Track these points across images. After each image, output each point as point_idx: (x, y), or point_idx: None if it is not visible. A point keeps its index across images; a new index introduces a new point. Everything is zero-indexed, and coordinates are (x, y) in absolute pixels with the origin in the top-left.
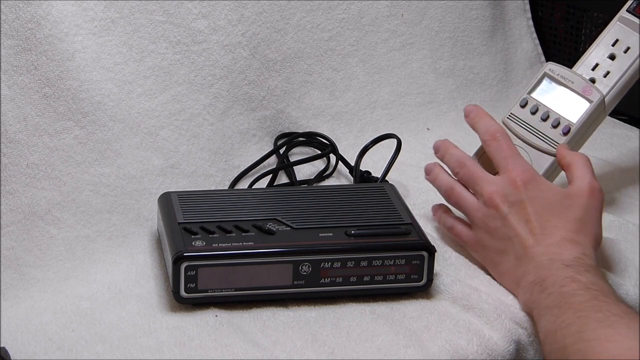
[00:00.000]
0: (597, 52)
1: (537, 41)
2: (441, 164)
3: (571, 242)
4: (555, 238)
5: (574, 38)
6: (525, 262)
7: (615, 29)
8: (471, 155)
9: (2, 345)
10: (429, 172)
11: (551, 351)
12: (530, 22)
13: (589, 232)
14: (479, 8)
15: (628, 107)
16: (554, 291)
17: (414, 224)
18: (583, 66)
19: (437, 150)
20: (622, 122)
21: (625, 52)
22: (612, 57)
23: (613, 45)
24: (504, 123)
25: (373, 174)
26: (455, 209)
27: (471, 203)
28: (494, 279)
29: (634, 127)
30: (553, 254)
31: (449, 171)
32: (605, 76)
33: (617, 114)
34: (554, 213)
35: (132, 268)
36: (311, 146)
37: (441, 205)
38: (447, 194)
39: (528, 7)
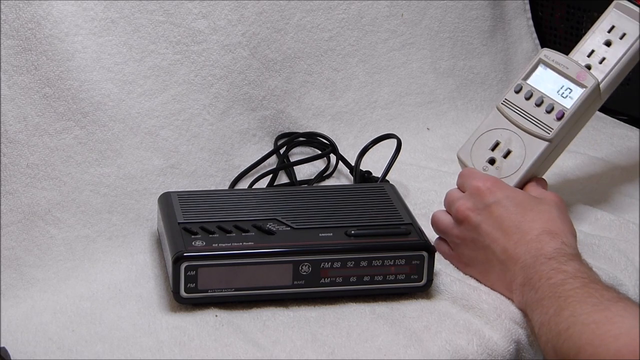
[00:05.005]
0: (592, 39)
1: (537, 41)
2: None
3: (550, 234)
4: (533, 232)
5: (574, 38)
6: (511, 265)
7: (611, 16)
8: None
9: (2, 345)
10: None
11: (547, 341)
12: (530, 22)
13: (565, 221)
14: (479, 8)
15: (628, 107)
16: (542, 285)
17: (414, 224)
18: (579, 53)
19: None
20: (622, 122)
21: (621, 38)
22: (608, 43)
23: (609, 31)
24: (498, 109)
25: (373, 174)
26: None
27: (446, 223)
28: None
29: (634, 127)
30: (535, 250)
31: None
32: (600, 62)
33: (617, 114)
34: (527, 209)
35: (132, 268)
36: (311, 146)
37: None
38: (432, 225)
39: (528, 7)
